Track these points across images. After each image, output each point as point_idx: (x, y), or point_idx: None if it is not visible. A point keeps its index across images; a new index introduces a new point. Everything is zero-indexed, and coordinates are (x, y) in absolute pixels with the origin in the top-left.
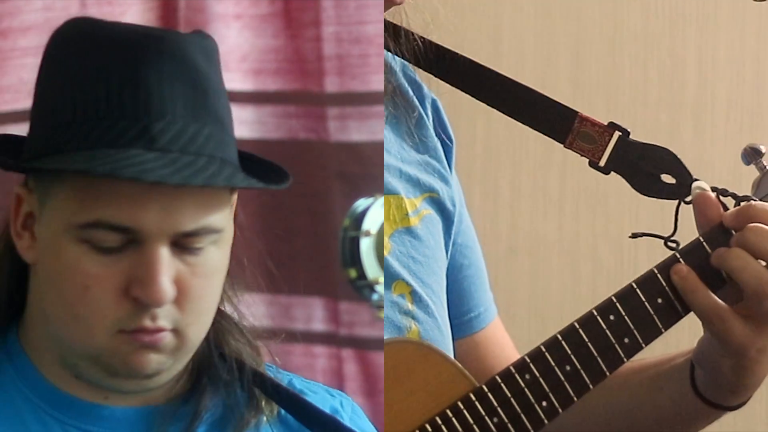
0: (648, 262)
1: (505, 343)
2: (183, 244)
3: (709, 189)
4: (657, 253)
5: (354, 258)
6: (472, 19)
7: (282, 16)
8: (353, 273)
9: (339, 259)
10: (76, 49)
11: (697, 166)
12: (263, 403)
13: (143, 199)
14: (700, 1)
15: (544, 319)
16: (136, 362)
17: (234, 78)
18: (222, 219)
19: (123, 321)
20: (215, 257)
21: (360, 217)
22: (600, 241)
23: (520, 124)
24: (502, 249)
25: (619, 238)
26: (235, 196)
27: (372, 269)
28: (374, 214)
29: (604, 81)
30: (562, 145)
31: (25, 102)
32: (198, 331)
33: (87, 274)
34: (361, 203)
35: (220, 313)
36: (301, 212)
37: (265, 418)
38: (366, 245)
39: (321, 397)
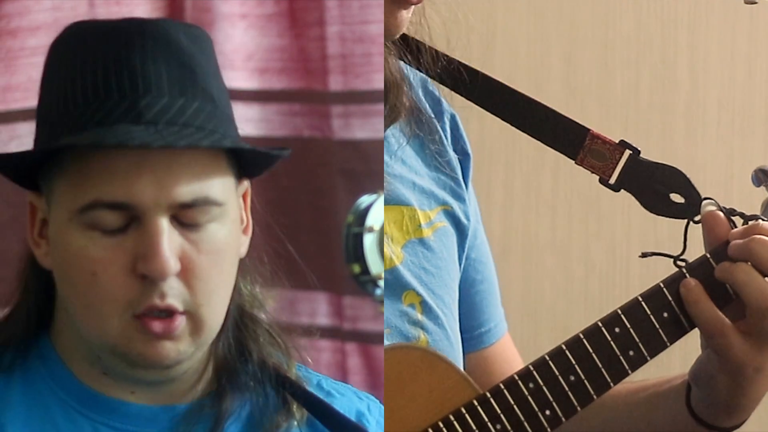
0: (640, 264)
1: (513, 360)
2: (183, 218)
3: (718, 208)
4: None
5: (357, 253)
6: (465, 21)
7: (287, 15)
8: (356, 268)
9: (342, 255)
10: (66, 48)
11: (688, 168)
12: (294, 407)
13: (135, 173)
14: (691, 4)
15: (537, 320)
16: (153, 353)
17: (239, 76)
18: (221, 192)
19: (133, 303)
20: (219, 235)
21: (363, 214)
22: (592, 242)
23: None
24: (495, 250)
25: (611, 239)
26: (245, 185)
27: (375, 265)
28: (377, 210)
29: (597, 83)
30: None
31: (34, 100)
32: (212, 313)
33: (93, 260)
34: (364, 200)
35: (243, 313)
36: (305, 208)
37: (296, 423)
38: (369, 241)
39: (348, 399)
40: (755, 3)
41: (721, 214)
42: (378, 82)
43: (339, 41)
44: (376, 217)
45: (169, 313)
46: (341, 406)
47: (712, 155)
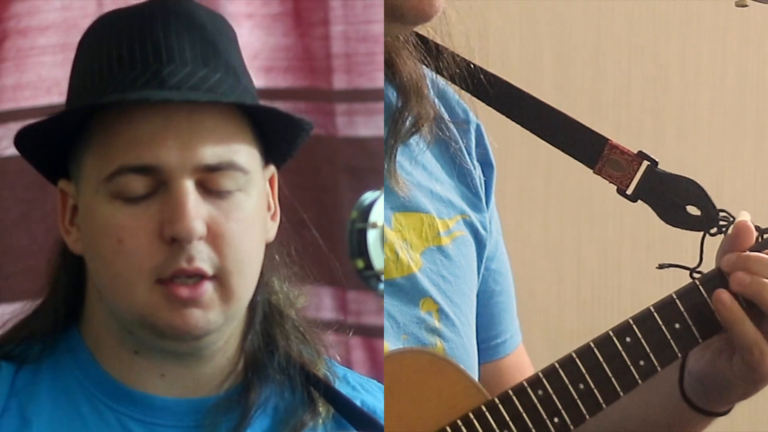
0: (632, 266)
1: (527, 371)
2: (209, 184)
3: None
4: (641, 257)
5: (361, 249)
6: (458, 23)
7: (292, 15)
8: (360, 263)
9: (347, 250)
10: (94, 33)
11: (679, 170)
12: (320, 405)
13: (160, 135)
14: (683, 7)
15: (529, 321)
16: (181, 322)
17: None
18: (246, 160)
19: (159, 269)
20: (247, 205)
21: (367, 210)
22: (584, 243)
23: (511, 126)
24: None
25: (603, 240)
26: (272, 169)
27: (378, 260)
28: (380, 206)
29: (589, 86)
30: (546, 149)
31: (44, 98)
32: (242, 283)
33: (119, 227)
34: (367, 196)
35: (272, 308)
36: (310, 205)
37: (321, 421)
38: (373, 237)
39: (373, 396)
40: (746, 6)
41: (753, 227)
42: (382, 81)
43: (343, 40)
44: (380, 213)
45: (196, 279)
46: (366, 401)
47: (704, 157)
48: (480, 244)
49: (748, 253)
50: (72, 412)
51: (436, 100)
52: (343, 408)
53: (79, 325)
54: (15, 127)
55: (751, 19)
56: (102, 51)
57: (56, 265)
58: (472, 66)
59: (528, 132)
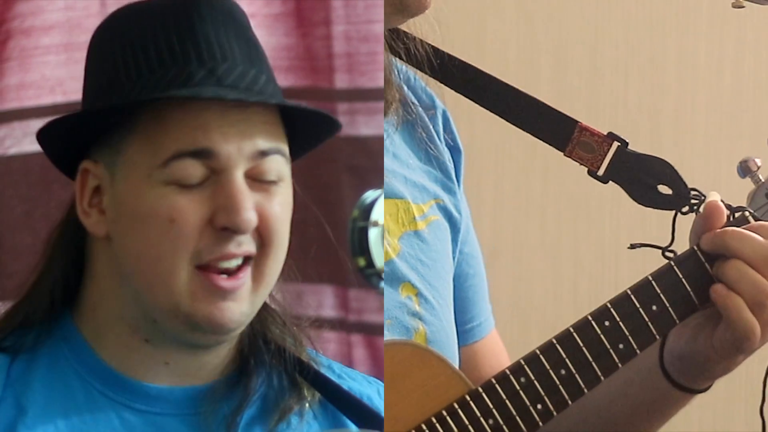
0: (628, 264)
1: (501, 354)
2: (257, 174)
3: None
4: (637, 256)
5: (363, 247)
6: (455, 24)
7: (294, 15)
8: (362, 262)
9: (348, 249)
10: (124, 23)
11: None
12: (305, 389)
13: (217, 123)
14: (680, 8)
15: (527, 320)
16: (218, 314)
17: None
18: (287, 151)
19: (204, 252)
20: (286, 193)
21: (368, 208)
22: (581, 244)
23: (508, 126)
24: (485, 251)
25: (600, 240)
26: (288, 168)
27: (380, 258)
28: (381, 205)
29: (586, 86)
30: (543, 148)
31: (48, 98)
32: (273, 269)
33: (172, 208)
34: (369, 195)
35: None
36: (312, 203)
37: (307, 405)
38: (374, 235)
39: (358, 383)
40: (743, 7)
41: (723, 206)
42: (383, 80)
43: (344, 40)
44: (381, 212)
45: (239, 262)
46: (353, 387)
47: (700, 158)
48: (454, 227)
49: (724, 229)
50: (67, 401)
51: (404, 87)
52: (332, 393)
53: (72, 312)
54: (18, 126)
55: (748, 19)
56: (146, 42)
57: (52, 248)
58: (438, 52)
59: (527, 132)
